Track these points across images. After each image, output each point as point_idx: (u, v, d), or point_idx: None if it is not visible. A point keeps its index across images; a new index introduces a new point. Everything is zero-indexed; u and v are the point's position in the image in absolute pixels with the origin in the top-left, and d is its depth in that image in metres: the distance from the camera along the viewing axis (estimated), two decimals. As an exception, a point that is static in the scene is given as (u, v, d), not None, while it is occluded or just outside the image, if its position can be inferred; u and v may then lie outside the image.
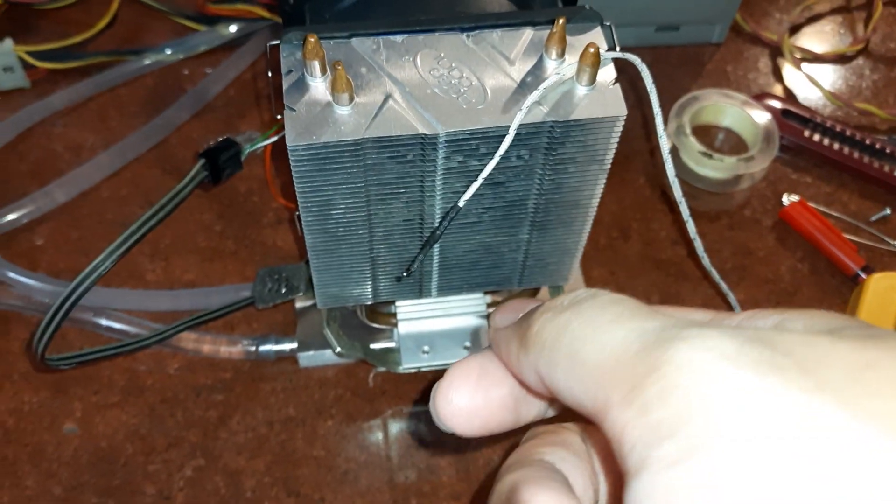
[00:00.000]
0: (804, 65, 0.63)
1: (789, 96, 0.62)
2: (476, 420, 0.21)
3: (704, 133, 0.59)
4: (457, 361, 0.22)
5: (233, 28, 0.61)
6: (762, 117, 0.58)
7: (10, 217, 0.53)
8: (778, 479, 0.13)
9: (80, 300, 0.35)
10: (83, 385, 0.48)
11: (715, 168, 0.56)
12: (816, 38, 0.66)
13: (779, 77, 0.64)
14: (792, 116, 0.59)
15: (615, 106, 0.32)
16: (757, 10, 0.67)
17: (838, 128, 0.58)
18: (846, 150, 0.58)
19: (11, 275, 0.49)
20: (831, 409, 0.13)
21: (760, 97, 0.60)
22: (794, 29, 0.66)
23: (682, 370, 0.15)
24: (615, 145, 0.34)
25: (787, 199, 0.56)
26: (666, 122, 0.57)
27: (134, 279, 0.52)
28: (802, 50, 0.64)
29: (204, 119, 0.59)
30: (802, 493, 0.13)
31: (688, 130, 0.57)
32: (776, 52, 0.65)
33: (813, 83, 0.62)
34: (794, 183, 0.58)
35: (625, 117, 0.32)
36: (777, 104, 0.60)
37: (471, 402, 0.21)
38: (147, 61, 0.61)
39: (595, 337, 0.17)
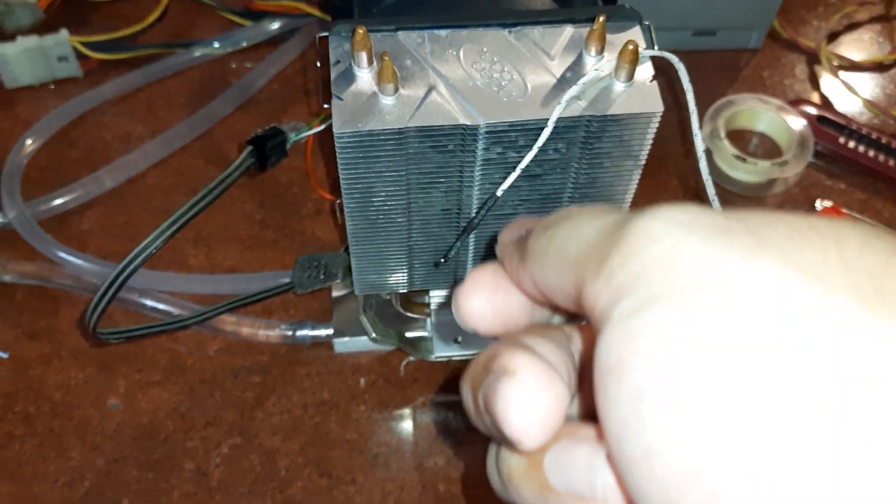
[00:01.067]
0: (841, 72, 0.64)
1: (825, 103, 0.63)
2: (495, 320, 0.22)
3: (739, 137, 0.60)
4: (474, 268, 0.23)
5: (278, 24, 0.63)
6: (797, 123, 0.58)
7: (61, 200, 0.55)
8: (716, 319, 0.15)
9: (131, 277, 0.36)
10: (127, 363, 0.50)
11: (748, 172, 0.56)
12: (854, 46, 0.66)
13: (815, 84, 0.64)
14: (827, 123, 0.60)
15: (652, 103, 0.33)
16: (795, 17, 0.67)
17: (874, 135, 0.59)
18: (882, 157, 0.58)
19: (62, 255, 0.51)
20: (770, 261, 0.15)
21: (796, 103, 0.60)
22: (832, 36, 0.66)
23: (639, 238, 0.16)
24: (650, 142, 0.34)
25: (819, 205, 0.56)
26: (701, 125, 0.58)
27: (178, 264, 0.53)
28: (840, 57, 0.65)
29: (247, 111, 0.61)
30: (729, 330, 0.15)
31: (722, 134, 0.57)
32: (813, 59, 0.65)
33: (850, 90, 0.62)
34: (827, 189, 0.58)
35: (661, 114, 0.33)
36: (812, 110, 0.60)
37: (489, 303, 0.22)
38: (195, 54, 0.63)
39: (576, 233, 0.18)
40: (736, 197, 0.57)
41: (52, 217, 0.55)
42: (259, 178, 0.57)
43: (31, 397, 0.48)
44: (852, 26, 0.67)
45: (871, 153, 0.58)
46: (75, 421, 0.48)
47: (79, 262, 0.51)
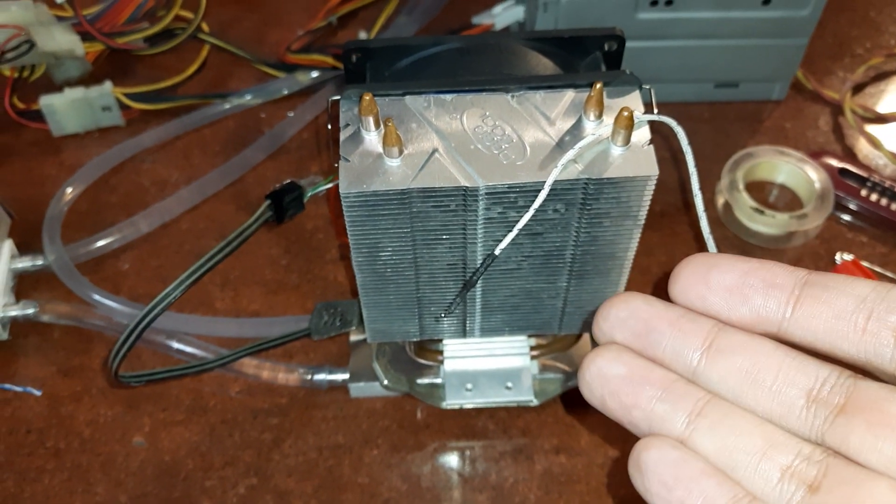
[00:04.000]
0: (866, 124, 0.64)
1: (848, 155, 0.62)
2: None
3: (759, 189, 0.60)
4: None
5: (308, 76, 0.66)
6: (818, 175, 0.58)
7: (100, 243, 0.57)
8: None
9: (151, 324, 0.38)
10: (153, 402, 0.52)
11: (767, 224, 0.56)
12: (880, 98, 0.66)
13: (839, 135, 0.64)
14: (849, 175, 0.60)
15: (647, 166, 0.34)
16: (819, 67, 0.68)
17: (897, 188, 0.58)
18: (905, 210, 0.57)
19: (96, 297, 0.54)
20: None
21: (817, 155, 0.60)
22: (858, 88, 0.66)
23: None
24: (648, 203, 0.35)
25: (839, 258, 0.56)
26: (719, 177, 0.59)
27: (205, 306, 0.56)
28: (865, 109, 0.65)
29: (278, 160, 0.64)
30: None
31: (741, 186, 0.58)
32: (837, 110, 0.65)
33: (874, 143, 0.62)
34: (848, 242, 0.58)
35: (656, 177, 0.34)
36: (834, 162, 0.60)
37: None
38: (229, 105, 0.65)
39: None
40: (755, 248, 0.57)
41: (91, 259, 0.58)
42: (286, 224, 0.59)
43: (62, 433, 0.51)
44: (878, 77, 0.67)
45: (894, 206, 0.58)
46: (102, 457, 0.50)
47: (111, 303, 0.53)
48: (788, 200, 0.60)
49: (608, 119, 0.35)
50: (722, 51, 0.61)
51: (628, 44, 0.40)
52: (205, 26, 0.69)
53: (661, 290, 0.55)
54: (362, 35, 0.69)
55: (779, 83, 0.64)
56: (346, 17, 0.72)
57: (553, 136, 0.35)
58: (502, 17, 0.63)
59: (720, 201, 0.59)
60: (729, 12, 0.58)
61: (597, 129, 0.35)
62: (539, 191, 0.34)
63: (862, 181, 0.59)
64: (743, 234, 0.57)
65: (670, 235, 0.58)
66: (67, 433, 0.51)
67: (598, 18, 0.57)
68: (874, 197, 0.58)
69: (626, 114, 0.33)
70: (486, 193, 0.34)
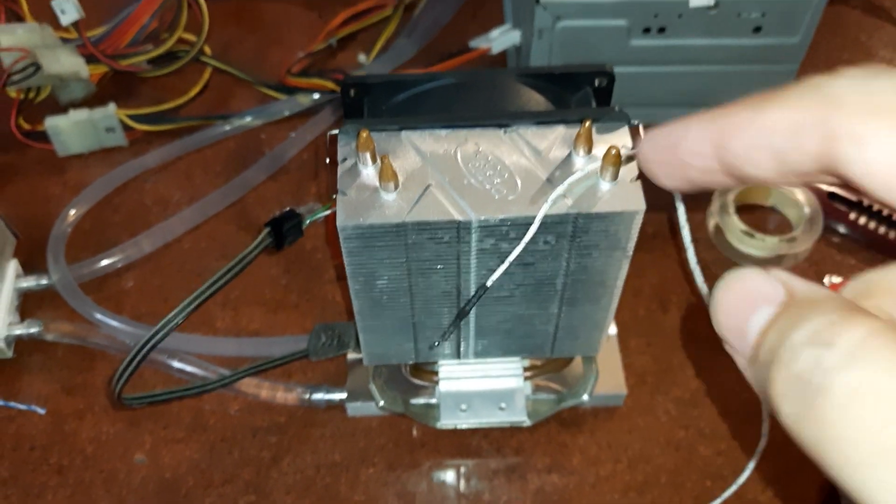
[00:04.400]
0: (855, 147, 0.65)
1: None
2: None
3: (749, 212, 0.61)
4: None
5: (309, 98, 0.67)
6: (807, 199, 0.59)
7: (104, 263, 0.59)
8: None
9: (154, 348, 0.39)
10: (154, 420, 0.53)
11: (757, 247, 0.58)
12: (869, 122, 0.67)
13: (828, 159, 0.65)
14: (838, 199, 0.61)
15: (635, 201, 0.35)
16: (810, 92, 0.69)
17: (885, 212, 0.59)
18: (892, 234, 0.59)
19: (99, 316, 0.55)
20: None
21: (807, 179, 0.62)
22: (847, 112, 0.68)
23: None
24: (636, 235, 0.37)
25: (828, 281, 0.57)
26: (710, 200, 0.60)
27: (205, 326, 0.57)
28: (854, 133, 0.66)
29: (279, 180, 0.65)
30: None
31: (731, 210, 0.59)
32: (827, 134, 0.66)
33: (862, 166, 0.63)
34: (837, 264, 0.59)
35: (643, 212, 0.35)
36: (824, 186, 0.61)
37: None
38: (231, 126, 0.67)
39: None
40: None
41: (94, 279, 0.59)
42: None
43: (66, 450, 0.52)
44: (868, 101, 0.69)
45: (882, 230, 0.59)
46: (104, 474, 0.51)
47: (114, 323, 0.55)
48: (778, 224, 0.61)
49: (598, 154, 0.36)
50: (714, 76, 0.62)
51: (622, 70, 0.41)
52: (207, 49, 0.71)
53: (653, 311, 0.56)
54: (361, 58, 0.71)
55: (770, 107, 0.66)
56: (346, 39, 0.73)
57: (544, 171, 0.36)
58: (499, 41, 0.65)
59: (711, 224, 0.60)
60: (720, 39, 0.59)
61: (586, 164, 0.36)
62: (530, 224, 0.35)
63: (851, 205, 0.60)
64: (734, 256, 0.59)
65: (662, 257, 0.60)
66: (70, 450, 0.52)
67: (593, 45, 0.59)
68: (863, 220, 0.60)
69: (613, 152, 0.34)
70: (479, 227, 0.35)
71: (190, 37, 0.70)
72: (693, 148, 0.19)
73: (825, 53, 0.72)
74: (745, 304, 0.18)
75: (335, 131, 0.37)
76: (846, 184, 0.17)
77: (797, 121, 0.17)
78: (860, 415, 0.14)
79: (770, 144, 0.17)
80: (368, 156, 0.36)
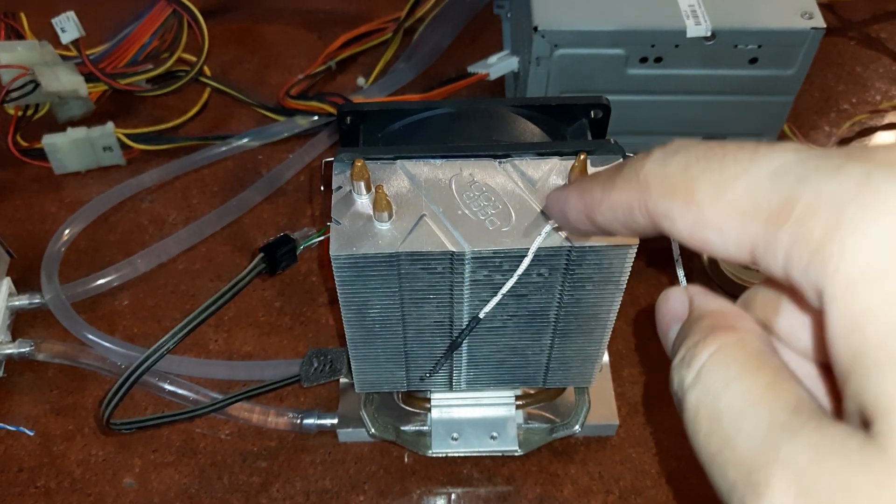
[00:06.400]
0: (850, 179, 0.65)
1: (833, 209, 0.64)
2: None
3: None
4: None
5: (307, 120, 0.67)
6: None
7: (98, 283, 0.59)
8: None
9: (144, 374, 0.39)
10: (144, 443, 0.52)
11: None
12: (864, 154, 0.68)
13: (824, 189, 0.65)
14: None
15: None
16: (806, 122, 0.69)
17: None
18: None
19: (91, 337, 0.55)
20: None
21: (802, 210, 0.62)
22: (843, 142, 0.68)
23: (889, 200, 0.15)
24: (629, 268, 0.37)
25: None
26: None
27: (198, 347, 0.56)
28: (850, 164, 0.66)
29: (275, 202, 0.65)
30: None
31: (726, 239, 0.59)
32: (823, 165, 0.66)
33: (858, 198, 0.63)
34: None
35: (637, 246, 0.35)
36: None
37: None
38: (228, 146, 0.67)
39: (746, 177, 0.17)
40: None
41: (87, 298, 0.59)
42: (280, 267, 0.60)
43: (53, 472, 0.51)
44: (863, 132, 0.69)
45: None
46: (92, 497, 0.50)
47: (106, 344, 0.54)
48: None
49: (592, 187, 0.36)
50: (710, 106, 0.62)
51: (619, 98, 0.41)
52: (207, 69, 0.71)
53: (648, 339, 0.56)
54: (360, 81, 0.71)
55: (766, 137, 0.66)
56: (345, 62, 0.74)
57: (538, 203, 0.36)
58: (497, 67, 0.65)
59: (706, 255, 0.60)
60: (716, 70, 0.60)
61: (580, 197, 0.36)
62: (523, 256, 0.35)
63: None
64: (730, 287, 0.59)
65: (656, 286, 0.59)
66: (58, 472, 0.51)
67: (590, 74, 0.59)
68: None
69: (607, 185, 0.34)
70: (472, 258, 0.35)
71: (190, 57, 0.70)
72: (573, 215, 0.23)
73: (821, 84, 0.72)
74: (665, 321, 0.22)
75: (330, 159, 0.38)
76: None
77: (627, 202, 0.20)
78: (700, 426, 0.18)
79: (617, 218, 0.21)
80: (363, 185, 0.36)
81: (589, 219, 0.22)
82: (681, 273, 0.33)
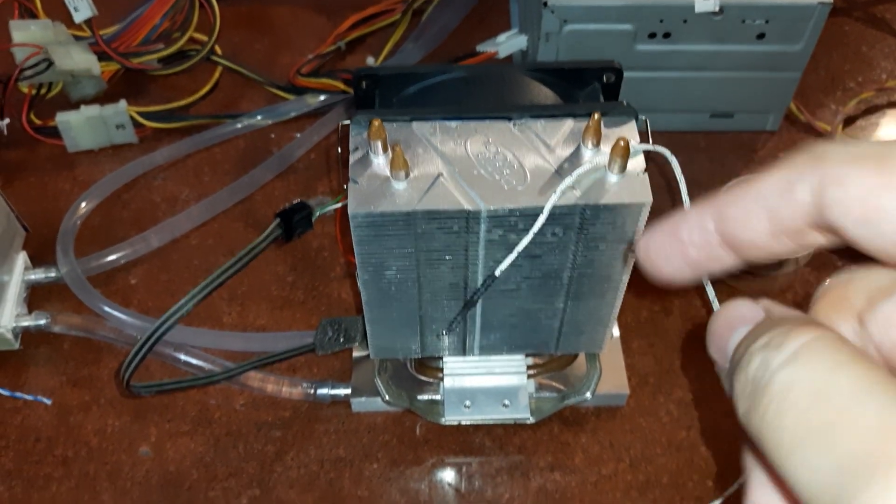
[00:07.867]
0: (857, 155, 0.65)
1: (840, 185, 0.64)
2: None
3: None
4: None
5: (317, 99, 0.68)
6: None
7: (111, 258, 0.59)
8: None
9: (163, 336, 0.40)
10: (159, 413, 0.53)
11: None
12: (871, 131, 0.68)
13: (831, 166, 0.66)
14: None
15: (642, 193, 0.36)
16: (812, 100, 0.70)
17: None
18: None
19: (107, 309, 0.55)
20: None
21: (810, 185, 0.62)
22: (849, 120, 0.68)
23: None
24: (643, 227, 0.37)
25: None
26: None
27: (212, 320, 0.57)
28: (857, 141, 0.67)
29: (286, 179, 0.66)
30: None
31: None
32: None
33: (864, 174, 0.64)
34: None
35: (650, 204, 0.36)
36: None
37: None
38: (240, 125, 0.67)
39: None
40: (747, 275, 0.59)
41: (102, 273, 0.59)
42: (292, 242, 0.61)
43: (71, 442, 0.52)
44: (869, 110, 0.69)
45: (884, 236, 0.59)
46: (109, 466, 0.51)
47: (121, 316, 0.55)
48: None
49: (605, 148, 0.37)
50: (717, 82, 0.63)
51: (627, 74, 0.42)
52: (218, 49, 0.72)
53: (656, 313, 0.57)
54: (370, 60, 0.71)
55: (772, 114, 0.66)
56: (355, 43, 0.74)
57: (552, 163, 0.37)
58: (506, 45, 0.65)
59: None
60: (724, 46, 0.60)
61: (594, 157, 0.36)
62: (538, 215, 0.35)
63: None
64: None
65: (666, 260, 0.60)
66: (75, 442, 0.52)
67: (598, 50, 0.60)
68: (864, 226, 0.60)
69: (622, 143, 0.35)
70: (488, 217, 0.36)
71: (201, 37, 0.71)
72: (692, 223, 0.20)
73: (827, 64, 0.73)
74: (729, 326, 0.20)
75: (347, 121, 0.38)
76: (835, 240, 0.19)
77: (788, 178, 0.18)
78: (789, 405, 0.16)
79: (764, 205, 0.19)
80: (380, 145, 0.36)
81: (716, 220, 0.20)
82: (711, 293, 0.30)
